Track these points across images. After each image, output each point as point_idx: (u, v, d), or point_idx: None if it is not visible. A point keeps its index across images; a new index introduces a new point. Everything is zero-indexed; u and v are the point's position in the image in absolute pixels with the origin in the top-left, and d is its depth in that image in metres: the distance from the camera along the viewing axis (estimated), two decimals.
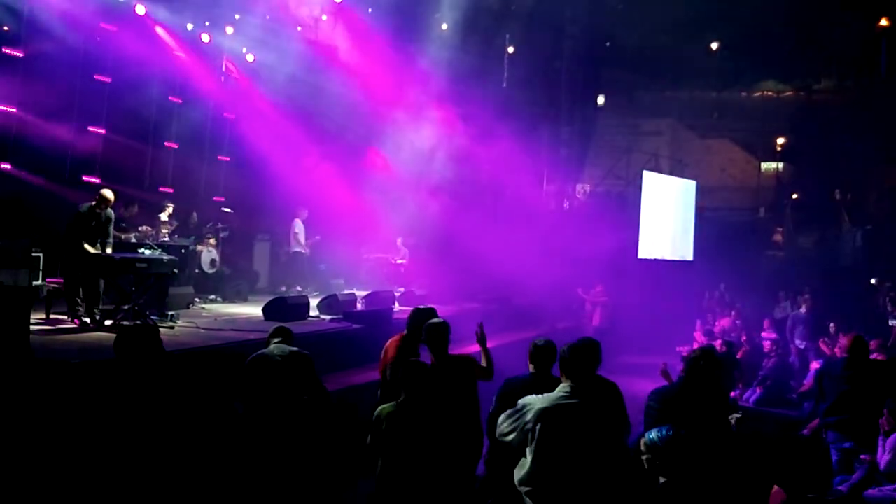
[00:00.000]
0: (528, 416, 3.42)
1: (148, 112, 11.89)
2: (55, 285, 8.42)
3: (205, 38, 12.50)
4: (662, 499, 3.52)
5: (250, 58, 13.31)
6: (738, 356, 9.38)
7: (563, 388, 3.49)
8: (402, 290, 12.40)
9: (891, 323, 11.72)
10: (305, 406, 4.98)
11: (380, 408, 4.02)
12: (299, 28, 13.32)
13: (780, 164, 23.03)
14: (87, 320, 7.72)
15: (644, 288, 15.69)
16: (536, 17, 17.38)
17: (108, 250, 8.06)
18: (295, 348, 5.25)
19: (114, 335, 4.14)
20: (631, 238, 17.21)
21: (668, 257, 18.39)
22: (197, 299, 10.50)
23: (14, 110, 9.74)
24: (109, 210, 8.04)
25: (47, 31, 9.81)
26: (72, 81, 10.42)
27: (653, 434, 3.57)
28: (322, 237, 13.19)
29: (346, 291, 11.46)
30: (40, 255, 8.89)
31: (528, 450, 3.38)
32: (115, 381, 3.90)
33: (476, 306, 12.71)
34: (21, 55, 9.82)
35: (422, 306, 5.81)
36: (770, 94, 24.10)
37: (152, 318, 8.05)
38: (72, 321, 7.77)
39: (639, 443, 3.90)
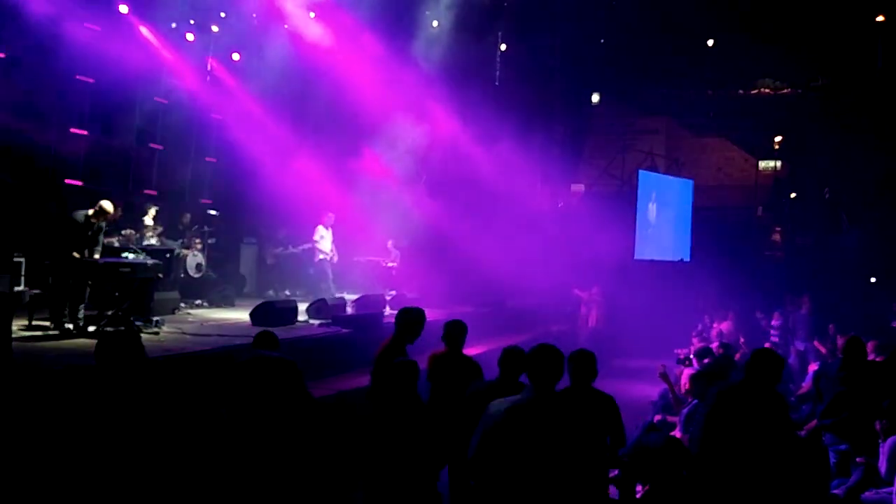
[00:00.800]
0: (490, 420, 3.43)
1: (131, 113, 11.68)
2: (38, 291, 8.26)
3: (189, 37, 12.28)
4: None
5: (236, 57, 13.08)
6: (735, 359, 9.18)
7: (527, 389, 3.49)
8: (393, 293, 12.22)
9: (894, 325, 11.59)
10: (290, 412, 4.87)
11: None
12: (286, 26, 13.09)
13: (778, 163, 22.89)
14: (70, 326, 7.60)
15: (641, 289, 15.52)
16: (529, 14, 17.21)
17: (96, 256, 7.93)
18: (279, 354, 5.12)
19: (96, 342, 4.04)
20: (627, 238, 17.04)
21: (664, 258, 18.23)
22: (183, 304, 10.32)
23: None
24: (103, 222, 7.96)
25: (28, 31, 9.59)
26: (53, 82, 10.19)
27: (649, 439, 3.75)
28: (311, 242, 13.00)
29: (335, 295, 11.28)
30: (22, 260, 8.73)
31: (487, 451, 3.40)
32: (96, 388, 3.85)
33: (469, 309, 12.52)
34: (2, 56, 9.61)
35: (409, 306, 5.75)
36: (767, 91, 23.97)
37: (136, 323, 7.91)
38: (54, 328, 7.61)
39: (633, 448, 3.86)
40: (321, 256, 12.44)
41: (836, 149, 20.02)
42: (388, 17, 13.60)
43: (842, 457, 5.65)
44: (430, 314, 7.28)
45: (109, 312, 7.76)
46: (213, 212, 11.92)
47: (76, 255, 7.64)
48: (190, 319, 9.52)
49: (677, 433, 6.04)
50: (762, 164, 22.73)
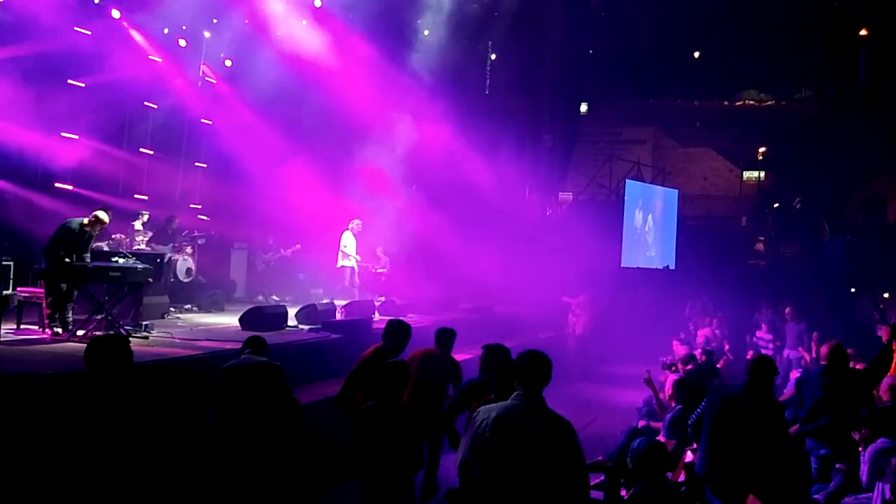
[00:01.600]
0: (481, 425, 3.46)
1: (122, 118, 11.69)
2: (26, 294, 8.23)
3: (181, 42, 12.32)
4: None
5: (228, 63, 13.14)
6: (718, 365, 9.32)
7: (515, 395, 3.51)
8: (382, 299, 12.25)
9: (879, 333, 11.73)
10: (274, 416, 4.90)
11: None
12: (279, 33, 13.15)
13: (762, 174, 23.21)
14: (59, 330, 7.57)
15: (627, 297, 15.67)
16: (519, 24, 17.37)
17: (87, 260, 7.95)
18: (265, 359, 5.14)
19: (85, 346, 4.06)
20: (614, 247, 17.19)
21: (650, 266, 18.41)
22: (172, 309, 10.30)
23: None
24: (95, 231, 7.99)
25: (20, 34, 9.59)
26: (44, 86, 10.19)
27: (634, 444, 3.74)
28: (302, 247, 13.04)
29: (325, 301, 11.30)
30: (11, 263, 8.70)
31: (480, 456, 3.43)
32: (85, 393, 3.83)
33: (457, 316, 12.59)
34: None
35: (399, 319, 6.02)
36: (751, 103, 24.32)
37: (126, 328, 7.88)
38: (43, 331, 7.62)
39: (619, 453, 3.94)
40: (343, 263, 12.30)
41: (819, 160, 20.34)
42: (380, 26, 13.70)
43: (822, 462, 5.74)
44: (419, 320, 7.36)
45: (99, 317, 7.74)
46: (203, 217, 11.92)
47: (67, 259, 7.65)
48: (179, 324, 9.48)
49: (661, 438, 6.13)
50: (746, 174, 23.05)
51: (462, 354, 6.90)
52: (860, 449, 5.17)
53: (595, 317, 13.89)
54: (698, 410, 5.33)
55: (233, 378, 5.02)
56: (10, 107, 9.58)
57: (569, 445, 3.39)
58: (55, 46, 9.99)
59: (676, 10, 18.46)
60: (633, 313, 15.10)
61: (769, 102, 24.10)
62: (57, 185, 10.46)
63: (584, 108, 23.51)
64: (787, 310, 12.23)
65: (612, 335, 14.18)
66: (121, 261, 8.42)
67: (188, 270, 11.14)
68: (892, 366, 6.91)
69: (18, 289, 8.49)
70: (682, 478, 5.17)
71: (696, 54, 21.42)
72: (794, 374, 8.48)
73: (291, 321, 9.71)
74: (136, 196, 11.90)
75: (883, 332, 7.30)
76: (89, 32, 10.60)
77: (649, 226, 18.79)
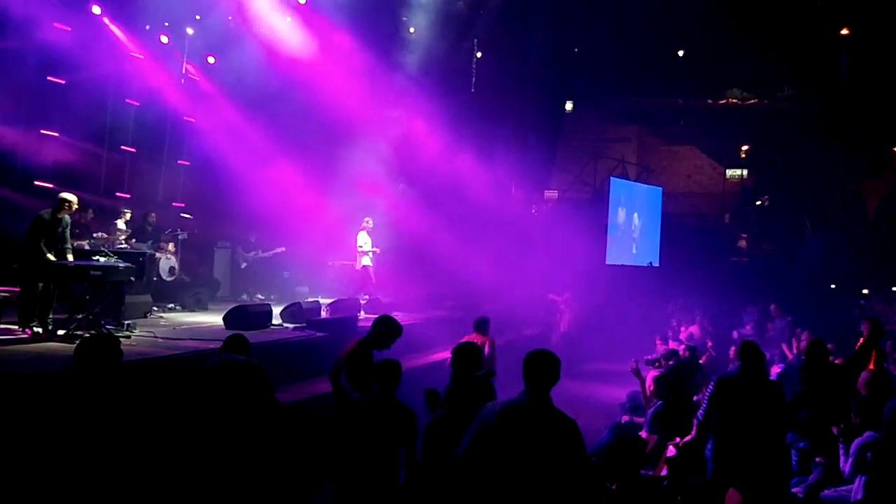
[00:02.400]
0: (486, 419, 3.49)
1: (103, 115, 11.55)
2: (6, 294, 8.13)
3: (163, 39, 12.21)
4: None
5: (211, 60, 13.03)
6: (701, 361, 9.39)
7: (522, 393, 3.54)
8: (367, 297, 12.24)
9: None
10: (254, 416, 4.87)
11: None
12: (263, 30, 13.07)
13: (745, 171, 23.39)
14: (39, 330, 7.48)
15: (611, 294, 15.75)
16: (504, 22, 17.38)
17: (70, 256, 7.91)
18: (245, 358, 5.09)
19: (66, 345, 4.03)
20: (599, 244, 17.28)
21: (635, 263, 18.52)
22: (155, 308, 10.23)
23: None
24: (67, 216, 7.89)
25: None
26: (24, 83, 10.05)
27: (602, 440, 3.69)
28: (286, 245, 12.99)
29: (310, 299, 11.27)
30: None
31: (482, 450, 3.44)
32: (73, 392, 3.81)
33: (443, 313, 12.62)
34: None
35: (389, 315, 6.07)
36: (735, 101, 24.49)
37: (107, 327, 7.81)
38: (23, 331, 7.52)
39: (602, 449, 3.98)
40: (365, 262, 12.32)
41: (801, 158, 20.53)
42: (366, 23, 13.65)
43: (802, 455, 5.83)
44: (405, 318, 7.36)
45: (80, 316, 7.67)
46: (186, 215, 11.84)
47: (50, 257, 7.56)
48: (162, 323, 9.42)
49: (643, 434, 6.18)
50: (729, 172, 23.23)
51: (447, 352, 6.91)
52: (840, 442, 5.24)
53: (580, 314, 13.97)
54: (704, 405, 5.33)
55: (213, 377, 4.97)
56: None
57: (573, 444, 3.41)
58: (34, 43, 9.85)
59: (661, 9, 18.54)
60: (618, 310, 15.19)
61: (752, 101, 24.29)
62: (37, 183, 10.32)
63: (569, 106, 23.58)
64: (772, 307, 12.38)
65: (596, 332, 14.27)
66: (102, 259, 8.35)
67: (171, 269, 11.07)
68: (871, 360, 7.01)
69: None
70: (664, 472, 5.21)
71: (681, 53, 21.54)
72: (776, 370, 8.57)
73: (276, 320, 9.69)
74: (117, 194, 11.78)
75: (864, 328, 7.40)
76: (69, 28, 10.46)
77: (634, 223, 18.90)
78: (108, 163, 11.86)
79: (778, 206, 20.90)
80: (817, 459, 5.58)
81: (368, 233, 12.45)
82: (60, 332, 7.46)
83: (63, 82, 10.66)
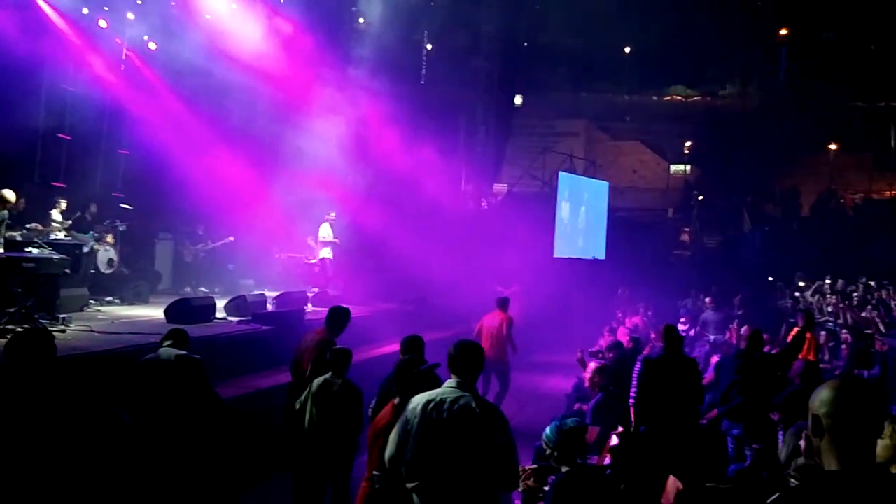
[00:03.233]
0: (411, 413, 3.52)
1: (37, 101, 11.06)
2: None
3: (102, 23, 11.76)
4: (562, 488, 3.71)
5: (153, 46, 12.63)
6: (645, 352, 9.59)
7: (449, 382, 3.58)
8: (315, 290, 12.11)
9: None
10: (193, 412, 4.79)
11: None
12: (207, 16, 12.73)
13: (688, 167, 24.04)
14: None
15: (560, 286, 15.96)
16: (455, 15, 17.39)
17: (0, 249, 7.53)
18: (184, 352, 4.99)
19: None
20: (547, 237, 17.49)
21: (581, 256, 18.81)
22: (93, 301, 9.90)
23: None
24: (5, 211, 7.53)
25: None
26: None
27: (547, 430, 3.90)
28: (234, 236, 12.73)
29: (255, 292, 11.08)
30: None
31: (409, 442, 3.47)
32: (2, 390, 3.66)
33: (393, 307, 12.58)
34: None
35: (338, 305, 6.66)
36: (679, 98, 25.11)
37: (41, 321, 7.52)
38: None
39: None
40: (325, 253, 12.52)
41: (741, 154, 21.19)
42: (314, 12, 13.44)
43: (737, 442, 6.03)
44: (354, 311, 7.32)
45: (12, 310, 7.37)
46: (126, 206, 11.46)
47: None
48: (100, 317, 9.13)
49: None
50: (673, 167, 23.85)
51: (397, 345, 6.90)
52: (779, 429, 5.43)
53: (527, 306, 14.10)
54: (635, 385, 6.11)
55: (149, 372, 4.89)
56: None
57: (499, 430, 3.45)
58: None
59: (609, 6, 18.84)
60: (566, 303, 15.41)
61: (696, 98, 24.96)
62: None
63: (518, 100, 23.75)
64: (708, 299, 12.76)
65: (544, 324, 14.44)
66: (35, 251, 8.05)
67: (110, 261, 10.72)
68: (804, 350, 7.28)
69: None
70: (607, 461, 5.30)
71: (627, 50, 21.95)
72: (715, 360, 8.81)
73: (220, 313, 9.50)
74: (53, 184, 11.32)
75: (799, 319, 7.68)
76: (0, 11, 9.98)
77: (581, 217, 19.18)
78: (42, 151, 11.38)
79: (719, 201, 21.54)
80: (753, 446, 5.76)
81: (332, 225, 12.53)
82: None
83: None
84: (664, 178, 23.31)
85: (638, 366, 6.27)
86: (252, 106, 13.41)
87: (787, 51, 23.03)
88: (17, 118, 10.30)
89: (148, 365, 4.92)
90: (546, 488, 4.38)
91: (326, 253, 12.58)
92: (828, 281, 14.57)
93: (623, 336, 9.77)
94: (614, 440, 5.36)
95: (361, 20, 15.26)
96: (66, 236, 9.85)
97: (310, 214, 13.34)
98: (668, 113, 24.08)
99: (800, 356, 6.89)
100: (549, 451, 3.90)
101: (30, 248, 8.14)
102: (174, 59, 12.32)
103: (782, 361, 6.62)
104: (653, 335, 11.32)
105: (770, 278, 16.77)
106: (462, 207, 18.03)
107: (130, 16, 12.09)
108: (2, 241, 7.71)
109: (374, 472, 3.82)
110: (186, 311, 8.77)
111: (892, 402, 7.06)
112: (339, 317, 6.17)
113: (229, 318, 9.41)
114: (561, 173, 18.79)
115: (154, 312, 9.55)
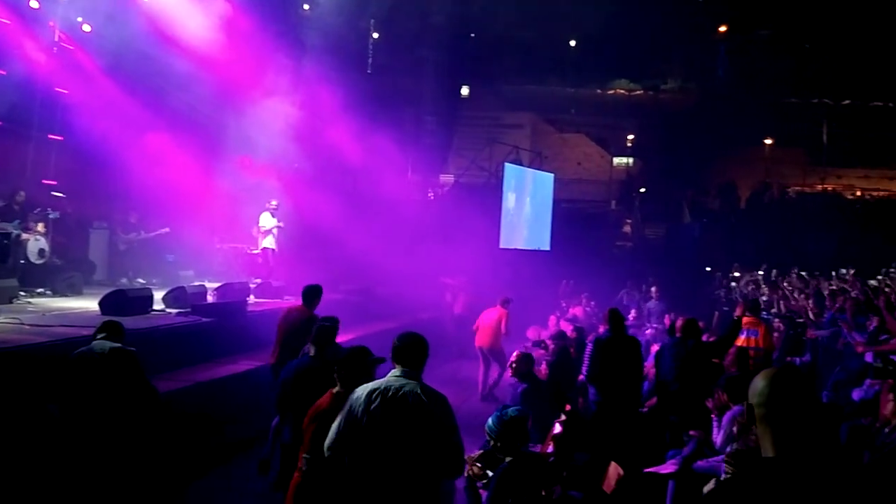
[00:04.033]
0: (356, 402, 3.48)
1: None
2: None
3: (34, 4, 11.22)
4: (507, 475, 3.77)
5: (87, 28, 12.11)
6: (588, 341, 9.75)
7: (393, 372, 3.58)
8: (258, 281, 11.89)
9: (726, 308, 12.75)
10: (127, 405, 4.65)
11: None
12: None
13: (631, 160, 24.53)
14: None
15: (504, 277, 16.07)
16: (402, 3, 17.26)
17: None
18: (118, 345, 4.84)
19: None
20: (493, 228, 17.59)
21: (527, 247, 19.01)
22: (22, 293, 9.48)
23: None
24: None
25: None
26: None
27: (489, 421, 3.97)
28: (171, 227, 12.37)
29: (195, 283, 10.81)
30: None
31: (354, 433, 3.44)
32: None
33: (338, 297, 12.42)
34: None
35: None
36: (622, 92, 25.58)
37: None
38: None
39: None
40: (265, 245, 12.38)
41: (682, 148, 21.74)
42: None
43: (674, 429, 6.20)
44: (297, 302, 7.23)
45: None
46: (58, 193, 11.00)
47: None
48: (30, 309, 8.78)
49: None
50: (616, 160, 24.31)
51: (343, 335, 6.84)
52: (713, 416, 5.61)
53: (473, 297, 14.17)
54: (587, 363, 6.93)
55: (82, 366, 4.74)
56: None
57: (444, 417, 3.45)
58: None
59: None
60: (512, 294, 15.51)
61: (638, 92, 25.44)
62: None
63: (465, 91, 23.79)
64: (653, 289, 13.07)
65: None
66: None
67: (41, 251, 10.28)
68: (739, 339, 7.52)
69: None
70: (550, 449, 5.38)
71: (573, 43, 22.21)
72: (654, 349, 9.03)
73: (158, 305, 9.24)
74: None
75: (738, 308, 7.92)
76: None
77: (526, 208, 19.36)
78: None
79: (661, 193, 22.08)
80: (691, 433, 5.91)
81: (272, 214, 12.38)
82: None
83: None
84: (608, 170, 23.74)
85: (589, 347, 7.09)
86: (191, 91, 12.98)
87: (726, 47, 23.69)
88: None
89: (81, 358, 4.77)
90: (490, 473, 4.43)
91: (269, 243, 12.39)
92: (761, 272, 15.09)
93: (566, 326, 9.92)
94: (557, 428, 5.44)
95: (307, 6, 14.98)
96: None
97: (253, 203, 13.06)
98: (613, 106, 24.51)
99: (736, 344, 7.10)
100: (492, 442, 3.95)
101: None
102: (110, 42, 11.84)
103: (718, 350, 6.83)
104: (602, 329, 11.53)
105: (708, 269, 17.28)
106: (408, 197, 17.96)
107: None
108: None
109: (305, 455, 3.77)
110: (122, 302, 8.50)
111: (823, 387, 7.40)
112: (315, 293, 6.98)
113: (168, 310, 9.17)
114: (507, 165, 18.91)
115: (88, 304, 9.23)
